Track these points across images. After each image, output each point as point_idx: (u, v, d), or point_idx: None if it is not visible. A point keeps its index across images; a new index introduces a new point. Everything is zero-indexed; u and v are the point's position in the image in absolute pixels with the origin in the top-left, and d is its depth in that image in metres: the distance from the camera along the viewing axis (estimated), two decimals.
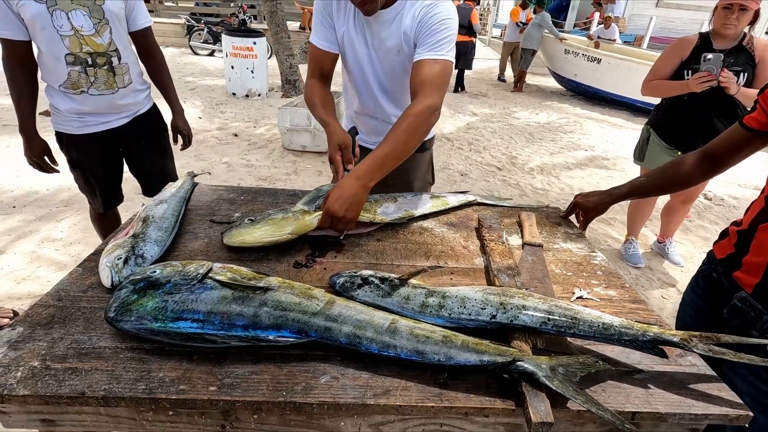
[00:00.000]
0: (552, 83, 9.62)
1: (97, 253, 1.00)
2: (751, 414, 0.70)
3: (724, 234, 1.17)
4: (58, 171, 1.82)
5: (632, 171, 4.80)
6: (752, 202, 1.08)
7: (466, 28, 7.46)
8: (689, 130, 2.42)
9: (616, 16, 10.79)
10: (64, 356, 0.73)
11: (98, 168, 1.90)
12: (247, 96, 6.39)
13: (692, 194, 2.81)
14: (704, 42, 2.32)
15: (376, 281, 0.87)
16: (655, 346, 0.73)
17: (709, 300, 1.17)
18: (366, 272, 0.91)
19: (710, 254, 1.20)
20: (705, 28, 8.44)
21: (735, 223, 1.14)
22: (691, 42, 2.35)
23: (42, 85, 1.72)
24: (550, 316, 0.77)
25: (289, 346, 0.76)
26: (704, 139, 1.20)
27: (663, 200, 3.15)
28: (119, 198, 2.08)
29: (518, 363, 0.69)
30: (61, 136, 1.80)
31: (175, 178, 2.12)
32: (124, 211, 2.23)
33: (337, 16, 1.32)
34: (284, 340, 0.75)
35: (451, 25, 1.24)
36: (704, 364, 0.80)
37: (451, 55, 1.24)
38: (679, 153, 2.50)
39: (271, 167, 4.11)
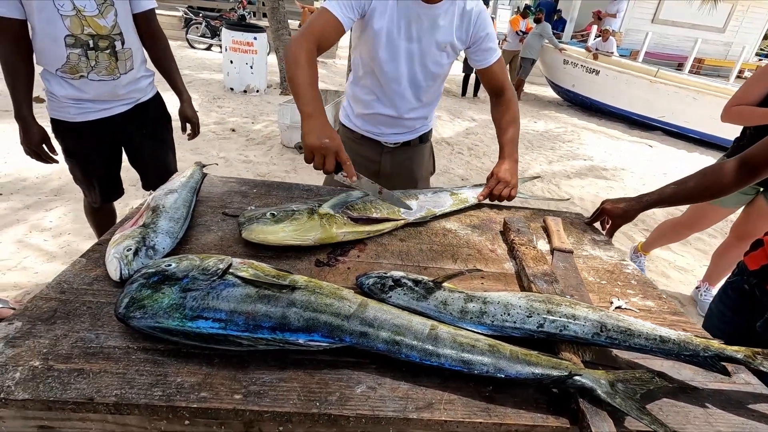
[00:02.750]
0: (549, 93, 9.70)
1: (101, 244, 0.92)
2: None
3: (757, 244, 1.13)
4: (57, 161, 1.71)
5: (632, 183, 4.83)
6: None
7: None
8: None
9: (613, 30, 10.93)
10: (69, 356, 0.65)
11: (97, 158, 1.79)
12: (245, 92, 6.29)
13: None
14: None
15: (409, 283, 0.81)
16: (717, 362, 0.68)
17: (740, 312, 1.13)
18: (397, 273, 0.84)
19: (741, 265, 1.16)
20: (698, 47, 8.54)
21: None
22: None
23: (38, 69, 1.62)
24: (603, 327, 0.71)
25: (319, 351, 0.70)
26: None
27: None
28: (119, 191, 1.97)
29: (576, 377, 0.63)
30: (57, 124, 1.69)
31: (174, 171, 2.04)
32: (119, 204, 2.12)
33: (379, 9, 1.27)
34: (316, 345, 0.68)
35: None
36: (759, 383, 0.75)
37: None
38: (761, 189, 2.24)
39: (270, 164, 4.02)
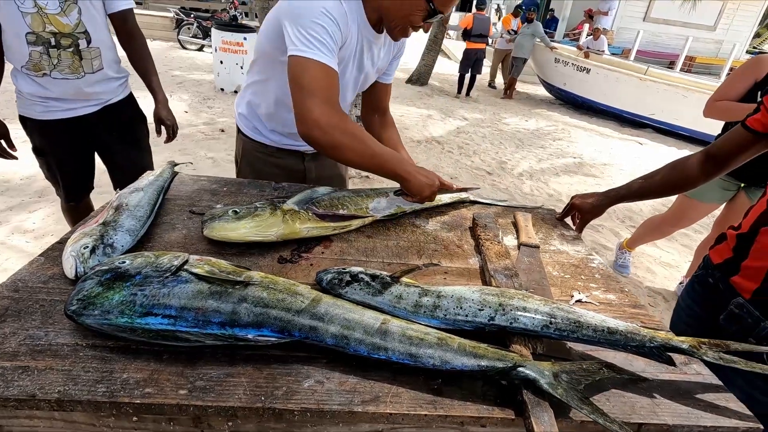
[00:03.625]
0: (541, 91, 9.72)
1: (62, 242, 0.92)
2: (761, 427, 0.66)
3: (721, 238, 1.14)
4: (15, 157, 1.69)
5: (620, 180, 4.85)
6: (752, 206, 1.05)
7: (483, 36, 7.95)
8: (756, 160, 2.12)
9: (605, 28, 10.99)
10: (15, 353, 0.65)
11: (66, 156, 1.79)
12: (235, 92, 6.28)
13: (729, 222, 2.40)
14: None
15: (366, 278, 0.81)
16: (662, 352, 0.69)
17: (706, 306, 1.14)
18: (355, 269, 0.85)
19: (706, 259, 1.17)
20: (689, 45, 8.64)
21: (733, 227, 1.11)
22: None
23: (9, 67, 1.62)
24: (552, 319, 0.72)
25: (269, 346, 0.70)
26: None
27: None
28: (85, 189, 1.97)
29: (519, 369, 0.63)
30: (24, 121, 1.70)
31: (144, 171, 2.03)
32: (100, 203, 2.12)
33: (348, 40, 1.14)
34: (265, 340, 0.68)
35: None
36: (710, 373, 0.76)
37: None
38: (742, 185, 2.27)
39: None
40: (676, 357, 0.77)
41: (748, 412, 0.68)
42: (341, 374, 0.68)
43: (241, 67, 6.18)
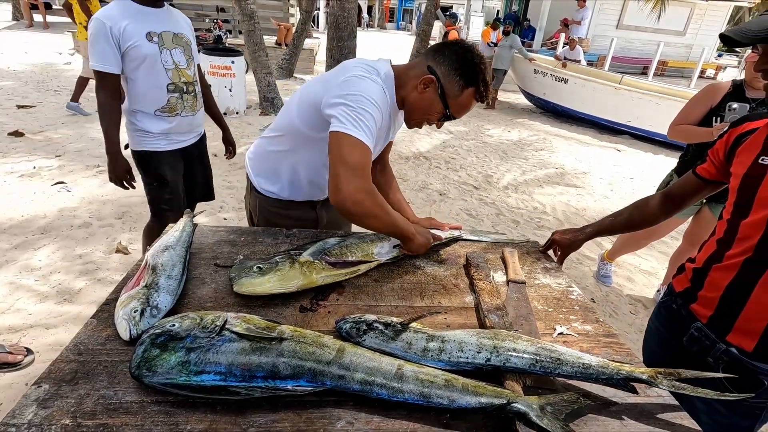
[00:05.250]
0: (522, 100, 10.02)
1: (108, 303, 1.04)
2: None
3: (681, 269, 1.31)
4: (135, 188, 2.09)
5: (600, 189, 5.09)
6: (704, 242, 1.22)
7: None
8: None
9: (580, 37, 11.39)
10: (94, 413, 0.77)
11: (179, 179, 2.21)
12: (225, 114, 6.38)
13: (700, 237, 2.49)
14: (736, 90, 2.22)
15: (381, 327, 0.95)
16: (627, 383, 0.84)
17: (671, 329, 1.31)
18: (370, 317, 0.98)
19: (670, 287, 1.34)
20: (661, 50, 8.98)
21: (690, 260, 1.28)
22: (723, 89, 2.27)
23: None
24: (538, 358, 0.87)
25: (305, 393, 0.83)
26: (727, 189, 1.13)
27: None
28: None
29: (512, 404, 0.78)
30: (150, 156, 2.08)
31: (212, 188, 2.52)
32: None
33: (382, 121, 1.25)
34: (302, 390, 0.81)
35: None
36: (668, 395, 0.92)
37: None
38: (705, 201, 2.42)
39: None
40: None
41: (698, 428, 0.84)
42: (366, 414, 0.81)
43: (230, 90, 6.29)
